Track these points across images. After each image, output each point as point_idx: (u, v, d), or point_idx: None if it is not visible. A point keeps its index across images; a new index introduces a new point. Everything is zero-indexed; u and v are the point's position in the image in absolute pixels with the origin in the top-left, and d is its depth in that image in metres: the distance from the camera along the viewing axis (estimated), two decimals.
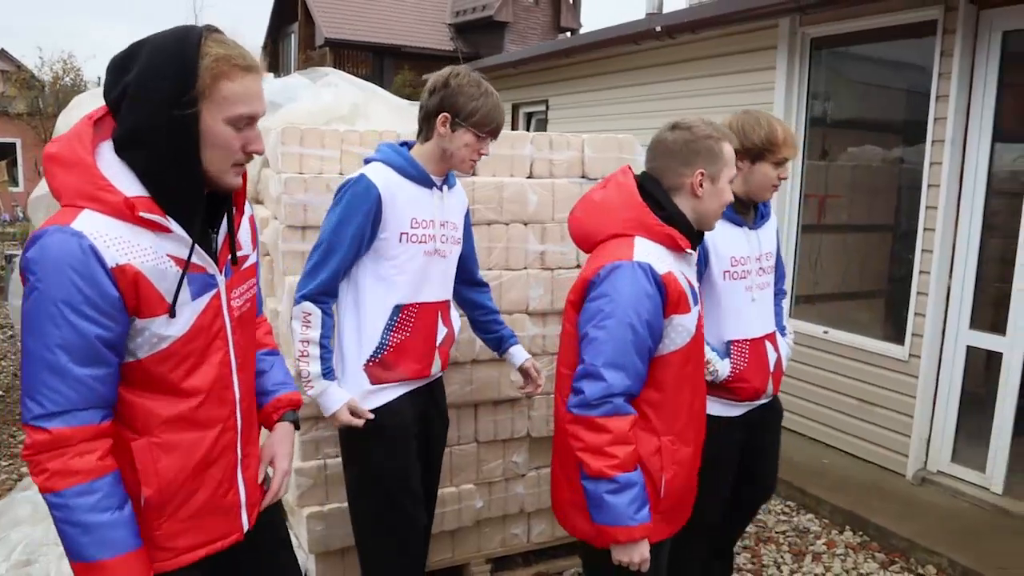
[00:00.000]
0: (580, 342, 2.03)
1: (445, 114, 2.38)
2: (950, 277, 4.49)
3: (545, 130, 7.33)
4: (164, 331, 1.56)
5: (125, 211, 1.47)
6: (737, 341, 2.71)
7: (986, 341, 4.40)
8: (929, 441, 4.63)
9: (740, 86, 5.72)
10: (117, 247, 1.46)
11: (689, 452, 2.20)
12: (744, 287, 2.72)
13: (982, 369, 4.58)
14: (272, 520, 1.94)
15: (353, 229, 2.36)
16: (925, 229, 4.55)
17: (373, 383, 2.48)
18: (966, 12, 4.28)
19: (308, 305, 2.39)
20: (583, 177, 3.33)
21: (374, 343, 2.46)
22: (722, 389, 2.70)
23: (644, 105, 6.70)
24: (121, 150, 1.51)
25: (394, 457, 2.54)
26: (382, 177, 2.39)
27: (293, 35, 25.12)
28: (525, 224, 3.20)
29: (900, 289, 4.81)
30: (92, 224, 1.45)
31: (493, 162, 3.16)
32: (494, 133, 2.46)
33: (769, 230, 2.85)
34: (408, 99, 4.68)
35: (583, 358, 2.00)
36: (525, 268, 3.22)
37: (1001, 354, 4.30)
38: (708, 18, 5.72)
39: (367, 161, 2.49)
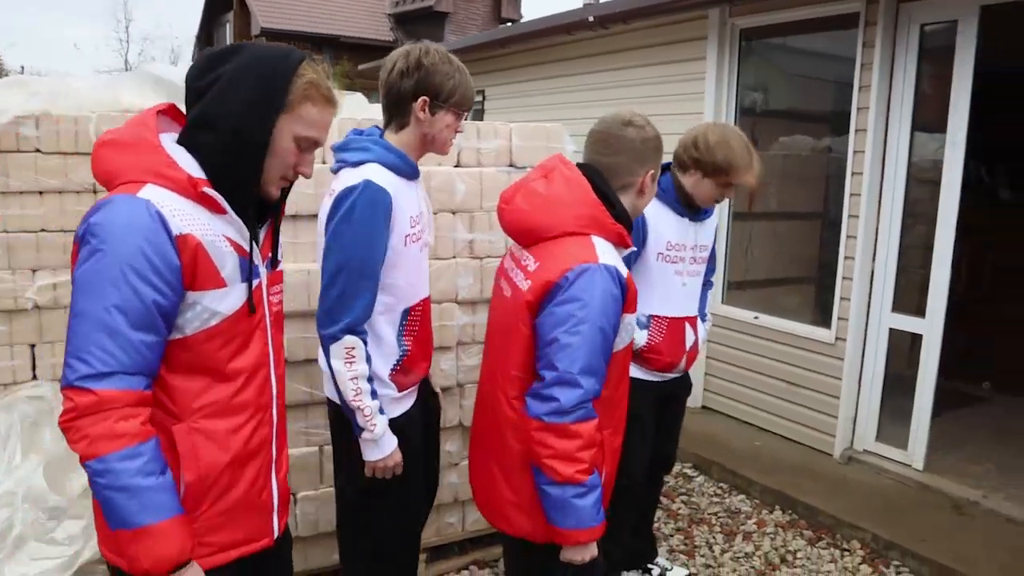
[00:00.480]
0: (546, 346, 1.95)
1: (424, 97, 2.20)
2: (873, 262, 4.62)
3: (482, 120, 7.31)
4: (216, 306, 1.61)
5: (188, 187, 1.55)
6: (658, 316, 2.93)
7: (907, 323, 4.55)
8: (855, 421, 4.77)
9: (672, 76, 5.79)
10: (181, 217, 1.53)
11: (620, 441, 2.23)
12: (675, 271, 2.93)
13: (904, 350, 4.73)
14: (287, 534, 1.99)
15: (380, 245, 2.15)
16: (850, 216, 4.67)
17: (400, 391, 2.34)
18: (886, 4, 4.40)
19: (350, 339, 2.14)
20: (511, 166, 3.34)
21: (395, 352, 2.31)
22: (637, 357, 2.90)
23: (579, 95, 6.74)
24: (194, 128, 1.60)
25: (409, 466, 2.39)
26: (386, 180, 2.16)
27: (228, 25, 24.58)
28: (453, 213, 3.20)
29: (827, 274, 4.94)
30: (157, 195, 1.52)
31: None
32: (471, 109, 2.35)
33: (708, 226, 3.05)
34: (347, 90, 4.63)
35: (555, 364, 1.91)
36: (454, 257, 3.22)
37: (921, 336, 4.45)
38: (639, 8, 5.76)
39: (353, 163, 2.19)
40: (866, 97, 4.54)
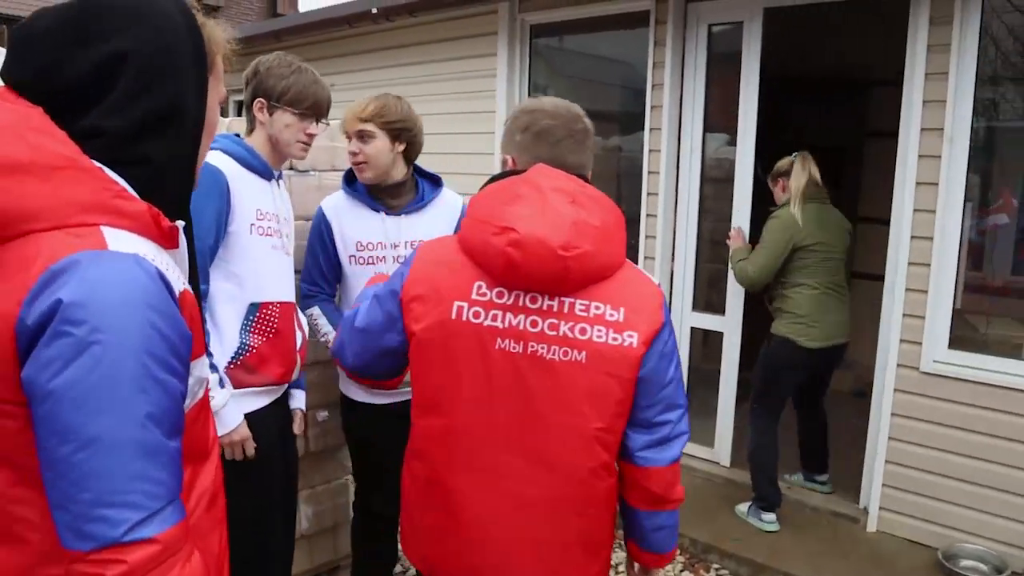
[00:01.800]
0: (663, 388, 1.73)
1: (260, 99, 2.32)
2: (672, 261, 4.61)
3: None
4: (204, 372, 1.22)
5: (150, 223, 1.10)
6: None
7: (708, 322, 4.58)
8: None
9: (463, 73, 5.54)
10: (170, 268, 1.11)
11: None
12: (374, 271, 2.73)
13: (702, 347, 4.78)
14: None
15: (211, 218, 2.15)
16: (648, 215, 4.64)
17: (235, 387, 2.26)
18: (675, 4, 4.39)
19: None
20: (291, 169, 2.92)
21: (233, 344, 2.28)
22: None
23: (364, 93, 6.30)
24: (134, 140, 1.11)
25: (260, 479, 2.36)
26: (223, 164, 2.22)
27: None
28: None
29: None
30: (131, 244, 1.05)
31: None
32: (315, 109, 2.37)
33: (422, 222, 2.79)
34: None
35: (678, 402, 1.77)
36: None
37: (722, 333, 4.49)
38: (425, 0, 5.47)
39: None
40: (659, 96, 4.52)
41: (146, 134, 1.13)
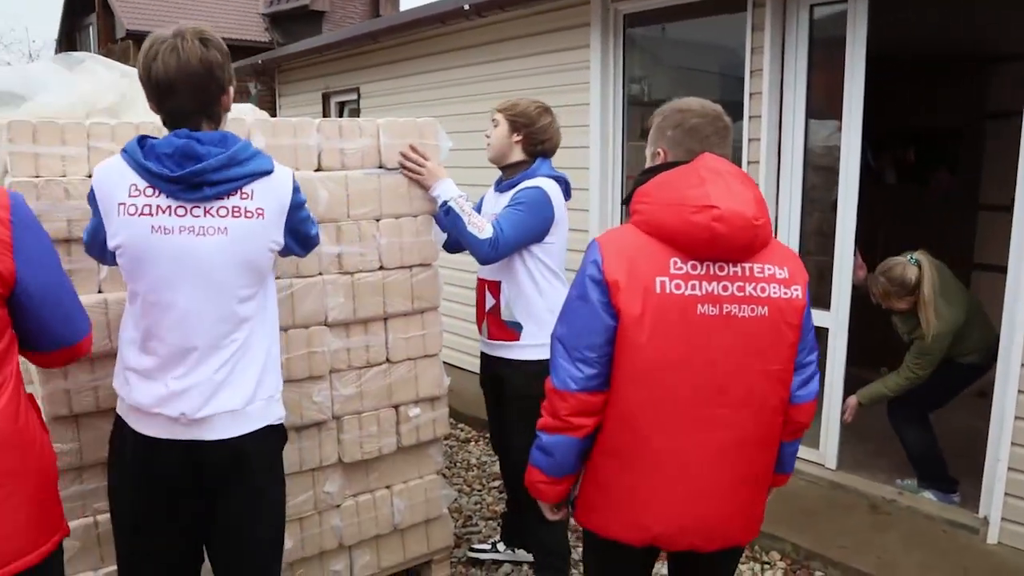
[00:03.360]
0: (808, 332, 2.05)
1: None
2: None
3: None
4: None
5: None
6: None
7: (813, 317, 4.35)
8: None
9: (556, 66, 5.47)
10: None
11: None
12: None
13: None
14: None
15: None
16: None
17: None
18: None
19: None
20: (380, 168, 2.93)
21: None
22: None
23: (460, 89, 6.36)
24: None
25: None
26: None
27: (91, 27, 23.18)
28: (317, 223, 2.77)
29: None
30: None
31: (274, 154, 2.69)
32: None
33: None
34: None
35: (814, 345, 2.08)
36: (320, 274, 2.79)
37: (827, 329, 4.28)
38: None
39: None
40: (758, 82, 4.34)
41: None
